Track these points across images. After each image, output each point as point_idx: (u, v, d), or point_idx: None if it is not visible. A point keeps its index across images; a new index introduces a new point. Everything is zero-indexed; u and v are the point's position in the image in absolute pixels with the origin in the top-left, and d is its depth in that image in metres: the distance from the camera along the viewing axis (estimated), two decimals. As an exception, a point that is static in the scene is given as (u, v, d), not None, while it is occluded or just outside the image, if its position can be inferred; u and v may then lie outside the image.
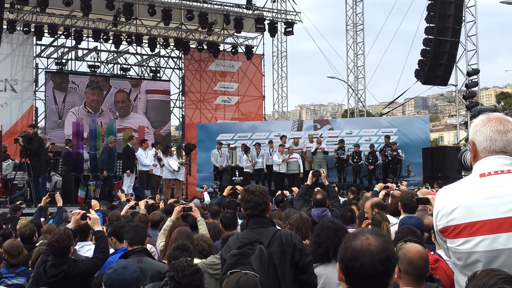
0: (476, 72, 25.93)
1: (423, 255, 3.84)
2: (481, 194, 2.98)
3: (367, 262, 2.52)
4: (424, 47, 24.44)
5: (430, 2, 24.45)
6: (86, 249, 6.43)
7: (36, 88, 26.78)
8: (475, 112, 23.02)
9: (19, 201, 14.98)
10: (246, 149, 22.54)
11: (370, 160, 22.40)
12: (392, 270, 2.60)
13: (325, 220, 5.31)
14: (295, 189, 13.35)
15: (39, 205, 10.71)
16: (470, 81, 25.94)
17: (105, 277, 4.37)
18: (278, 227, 4.95)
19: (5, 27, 22.79)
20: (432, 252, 5.12)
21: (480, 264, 2.88)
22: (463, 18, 25.50)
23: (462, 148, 21.87)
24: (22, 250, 6.34)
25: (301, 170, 21.94)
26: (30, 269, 6.09)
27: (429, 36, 24.19)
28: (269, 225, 4.80)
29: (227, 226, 7.71)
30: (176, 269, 4.20)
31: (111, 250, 6.46)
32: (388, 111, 35.06)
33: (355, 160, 22.62)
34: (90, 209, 7.69)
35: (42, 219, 10.12)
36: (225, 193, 10.53)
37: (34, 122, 25.36)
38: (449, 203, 3.07)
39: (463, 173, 15.89)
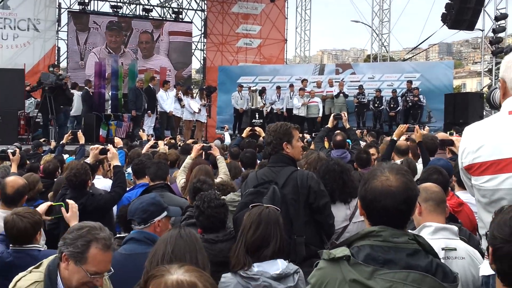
0: (504, 16, 25.23)
1: (436, 185, 3.87)
2: (509, 131, 2.93)
3: (388, 203, 2.49)
4: (452, -10, 23.79)
5: None
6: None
7: (59, 28, 26.67)
8: (507, 49, 22.63)
9: (43, 139, 15.13)
10: (260, 92, 22.53)
11: (392, 105, 22.27)
12: (413, 206, 2.57)
13: (330, 162, 5.29)
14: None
15: (61, 142, 10.82)
16: (497, 26, 25.32)
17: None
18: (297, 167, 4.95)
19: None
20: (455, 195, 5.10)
21: (505, 201, 2.86)
22: (493, -41, 24.73)
23: (485, 93, 21.55)
24: (37, 183, 6.37)
25: (320, 114, 21.95)
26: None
27: (457, -21, 23.50)
28: (287, 164, 4.79)
29: (247, 165, 7.77)
30: (203, 199, 4.32)
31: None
32: (411, 57, 34.45)
33: (376, 105, 22.50)
34: (109, 144, 7.74)
35: (67, 156, 10.25)
36: (244, 135, 10.52)
37: (56, 62, 25.35)
38: (475, 141, 3.03)
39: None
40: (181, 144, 12.54)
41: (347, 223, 4.98)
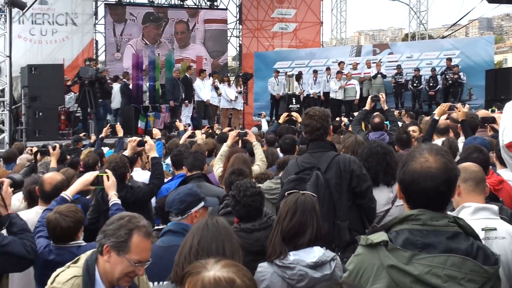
0: (545, -12, 24.54)
1: (475, 164, 3.77)
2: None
3: (428, 186, 2.44)
4: (491, -38, 23.13)
5: None
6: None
7: (96, 21, 26.89)
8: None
9: (83, 133, 15.34)
10: (297, 77, 22.41)
11: (431, 84, 21.92)
12: (454, 187, 2.52)
13: (372, 144, 5.26)
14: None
15: (100, 136, 10.93)
16: (538, -1, 24.60)
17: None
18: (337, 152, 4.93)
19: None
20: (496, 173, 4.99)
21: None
22: None
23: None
24: (72, 178, 6.19)
25: (357, 97, 21.72)
26: (88, 197, 6.18)
27: (496, -50, 22.85)
28: (328, 149, 4.81)
29: (286, 151, 7.73)
30: (238, 188, 4.32)
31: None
32: (450, 33, 33.73)
33: (414, 84, 22.16)
34: (146, 136, 7.80)
35: (107, 149, 10.34)
36: (281, 120, 10.49)
37: (94, 55, 25.61)
38: (516, 118, 2.93)
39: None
40: (218, 133, 12.55)
41: (389, 207, 4.93)
